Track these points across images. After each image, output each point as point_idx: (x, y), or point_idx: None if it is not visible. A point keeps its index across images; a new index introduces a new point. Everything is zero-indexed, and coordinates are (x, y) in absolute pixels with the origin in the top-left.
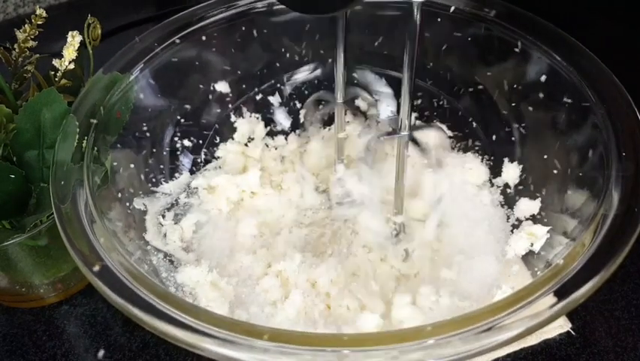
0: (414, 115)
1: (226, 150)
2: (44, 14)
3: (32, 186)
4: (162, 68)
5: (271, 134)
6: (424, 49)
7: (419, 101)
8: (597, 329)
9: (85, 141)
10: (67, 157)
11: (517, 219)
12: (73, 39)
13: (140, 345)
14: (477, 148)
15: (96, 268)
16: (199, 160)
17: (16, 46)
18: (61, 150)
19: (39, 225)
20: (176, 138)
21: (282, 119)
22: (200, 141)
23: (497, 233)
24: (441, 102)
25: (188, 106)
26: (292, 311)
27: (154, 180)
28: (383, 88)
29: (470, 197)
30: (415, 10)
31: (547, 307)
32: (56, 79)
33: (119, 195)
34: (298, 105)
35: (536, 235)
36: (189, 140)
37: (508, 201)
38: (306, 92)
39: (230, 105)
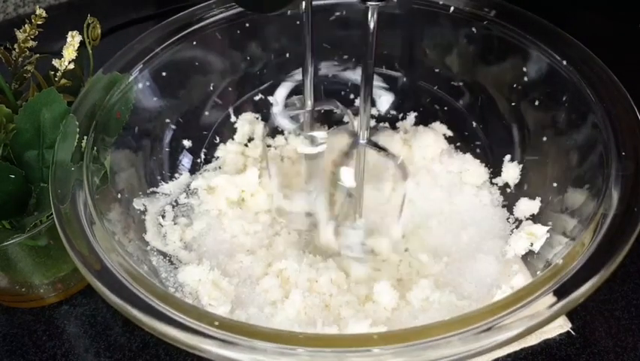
0: (413, 115)
1: (226, 150)
2: (44, 14)
3: (32, 186)
4: (162, 69)
5: (271, 134)
6: (424, 49)
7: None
8: (597, 329)
9: (84, 141)
10: (66, 157)
11: (517, 219)
12: (73, 39)
13: (140, 345)
14: (477, 148)
15: (95, 269)
16: (199, 160)
17: (16, 46)
18: (61, 150)
19: (39, 225)
20: (175, 138)
21: (282, 119)
22: (200, 142)
23: (497, 233)
24: (441, 102)
25: (187, 106)
26: (292, 311)
27: (153, 180)
28: (382, 88)
29: (470, 197)
30: (370, 14)
31: (547, 306)
32: (56, 79)
33: (119, 195)
34: (298, 105)
35: (536, 235)
36: (189, 140)
37: (508, 200)
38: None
39: (230, 105)
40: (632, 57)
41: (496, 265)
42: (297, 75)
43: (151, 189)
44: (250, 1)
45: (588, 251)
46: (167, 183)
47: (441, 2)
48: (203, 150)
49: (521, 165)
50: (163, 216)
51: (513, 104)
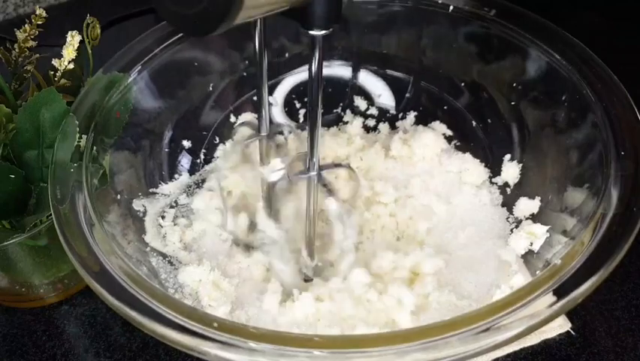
0: (413, 114)
1: (225, 151)
2: (44, 14)
3: (32, 186)
4: (161, 69)
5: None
6: (424, 48)
7: (419, 101)
8: (597, 329)
9: (83, 141)
10: (66, 157)
11: (517, 219)
12: (73, 39)
13: (140, 345)
14: (476, 148)
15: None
16: (198, 161)
17: (16, 46)
18: (61, 149)
19: (39, 225)
20: (175, 139)
21: (282, 120)
22: (200, 142)
23: (496, 232)
24: (440, 102)
25: (187, 106)
26: (293, 312)
27: (153, 181)
28: (382, 88)
29: (469, 196)
30: (317, 44)
31: (547, 306)
32: (56, 79)
33: (118, 196)
34: (298, 105)
35: (536, 234)
36: (188, 140)
37: (508, 200)
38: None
39: (229, 105)
40: (631, 57)
41: (496, 265)
42: (298, 75)
43: (150, 190)
44: (182, 25)
45: (587, 251)
46: (166, 183)
47: (440, 1)
48: (203, 150)
49: (521, 165)
50: (163, 217)
51: (513, 103)
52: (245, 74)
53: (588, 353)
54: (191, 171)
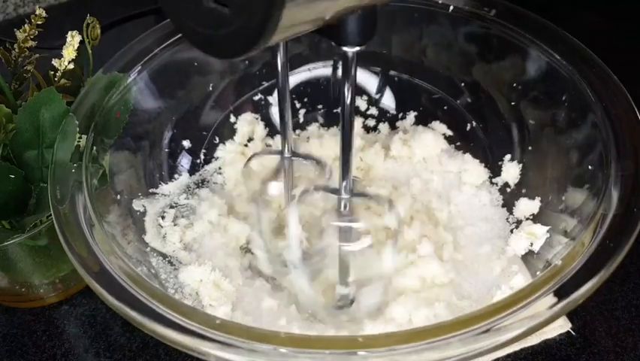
0: (413, 114)
1: (225, 151)
2: (44, 14)
3: (32, 186)
4: (161, 69)
5: (271, 134)
6: (424, 48)
7: (418, 101)
8: (597, 329)
9: (84, 141)
10: (66, 157)
11: (517, 219)
12: (73, 39)
13: (140, 345)
14: (476, 148)
15: (94, 271)
16: (198, 161)
17: (16, 46)
18: (61, 149)
19: (39, 225)
20: (175, 139)
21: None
22: (200, 142)
23: (497, 233)
24: (440, 102)
25: (187, 106)
26: (293, 312)
27: (153, 181)
28: (382, 88)
29: (469, 197)
30: (351, 61)
31: (547, 307)
32: (56, 79)
33: (118, 196)
34: (298, 105)
35: (536, 235)
36: (188, 140)
37: (508, 200)
38: (307, 91)
39: (229, 105)
40: (631, 57)
41: (496, 265)
42: (298, 75)
43: (150, 190)
44: (208, 47)
45: (588, 251)
46: (166, 183)
47: (440, 1)
48: (203, 150)
49: (521, 165)
50: (163, 217)
51: (513, 103)
52: (245, 74)
53: (588, 353)
54: (191, 171)
